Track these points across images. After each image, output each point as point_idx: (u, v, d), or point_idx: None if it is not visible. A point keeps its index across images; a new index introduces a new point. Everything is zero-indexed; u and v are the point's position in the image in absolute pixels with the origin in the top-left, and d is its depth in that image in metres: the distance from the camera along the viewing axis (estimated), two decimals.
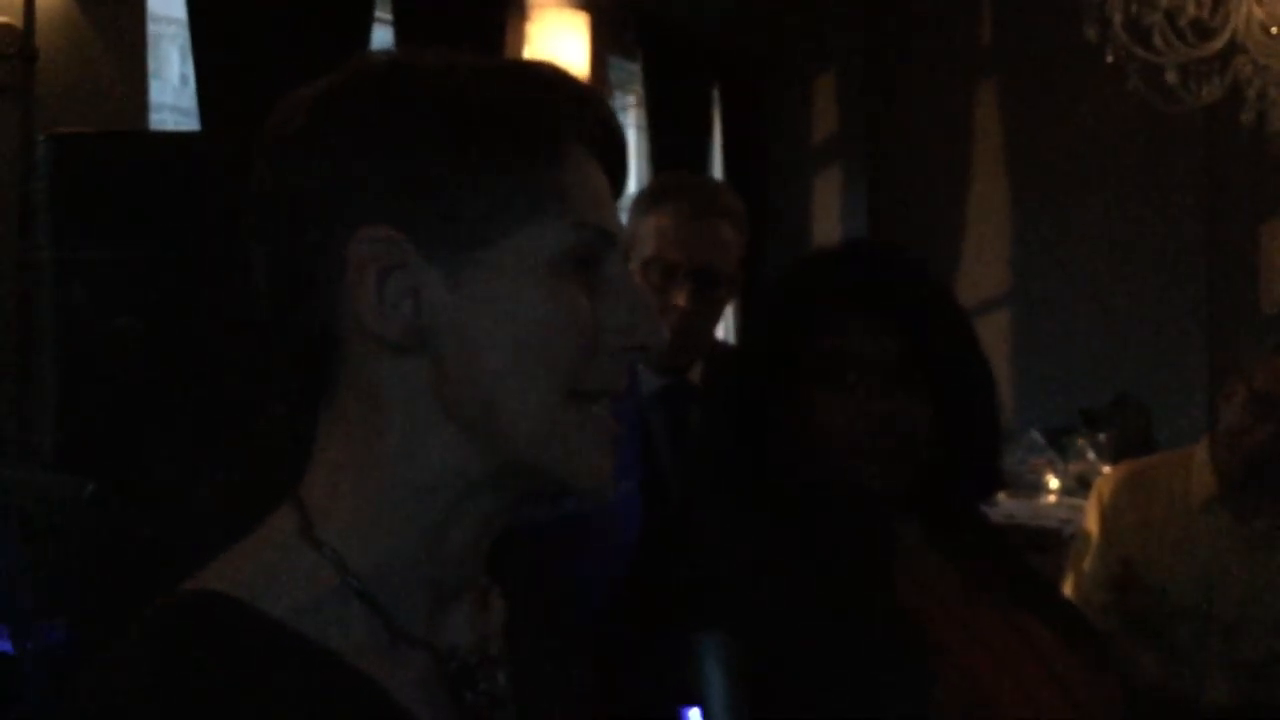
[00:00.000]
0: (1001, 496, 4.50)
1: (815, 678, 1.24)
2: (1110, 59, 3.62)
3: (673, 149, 5.28)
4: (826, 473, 1.36)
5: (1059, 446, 4.61)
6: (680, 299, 1.97)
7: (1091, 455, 4.48)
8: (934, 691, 1.23)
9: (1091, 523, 2.68)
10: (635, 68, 5.38)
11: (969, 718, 1.23)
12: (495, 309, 0.77)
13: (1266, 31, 3.57)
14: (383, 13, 4.14)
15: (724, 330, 4.80)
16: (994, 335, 5.97)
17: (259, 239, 0.81)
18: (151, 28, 4.10)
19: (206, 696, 0.71)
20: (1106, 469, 3.52)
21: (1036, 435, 4.65)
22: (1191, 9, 3.54)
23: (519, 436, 0.78)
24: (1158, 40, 3.57)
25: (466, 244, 0.77)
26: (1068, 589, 2.64)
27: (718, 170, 5.77)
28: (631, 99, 5.63)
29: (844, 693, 1.23)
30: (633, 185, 3.86)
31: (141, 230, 2.49)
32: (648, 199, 2.09)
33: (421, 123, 0.77)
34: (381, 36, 4.12)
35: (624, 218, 2.20)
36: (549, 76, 0.83)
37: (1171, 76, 3.63)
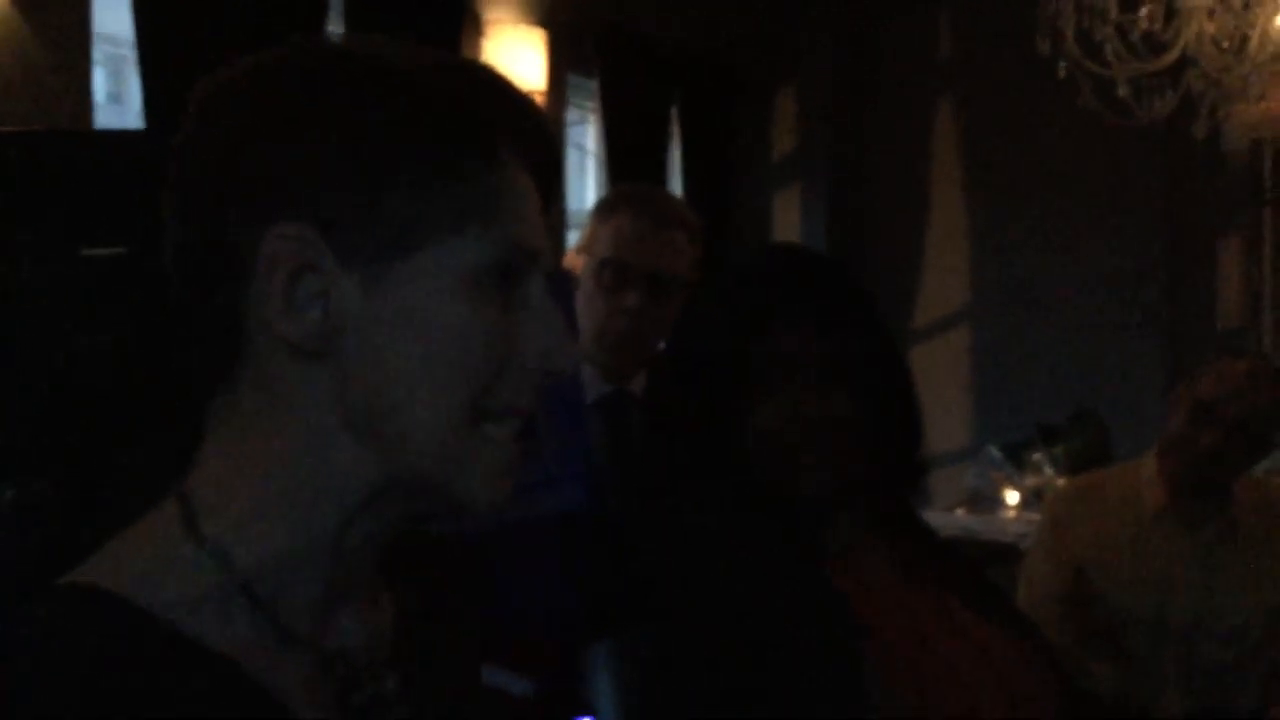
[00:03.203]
0: (959, 511, 4.50)
1: (750, 670, 1.26)
2: (1063, 73, 3.64)
3: (631, 165, 5.27)
4: (762, 476, 1.39)
5: (1017, 461, 4.62)
6: (630, 300, 2.03)
7: (1048, 470, 4.49)
8: (869, 678, 1.25)
9: (1043, 535, 2.68)
10: (594, 84, 5.36)
11: (905, 705, 1.26)
12: (408, 320, 0.75)
13: (1218, 46, 3.59)
14: (335, 27, 4.11)
15: None
16: (953, 351, 5.99)
17: (171, 220, 0.78)
18: (113, 50, 4.07)
19: (80, 692, 0.69)
20: (1061, 482, 3.53)
21: (994, 450, 4.66)
22: (1143, 23, 3.56)
23: (415, 451, 0.76)
24: (1109, 54, 3.59)
25: (386, 251, 0.75)
26: (1022, 602, 2.63)
27: (677, 186, 5.76)
28: (590, 116, 5.61)
29: (779, 682, 1.25)
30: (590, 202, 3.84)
31: (76, 231, 2.44)
32: (606, 205, 2.16)
33: (349, 118, 0.75)
34: None
35: (576, 236, 2.23)
36: (486, 80, 0.80)
37: (1123, 90, 3.65)
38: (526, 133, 0.80)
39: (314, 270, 0.74)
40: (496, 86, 0.80)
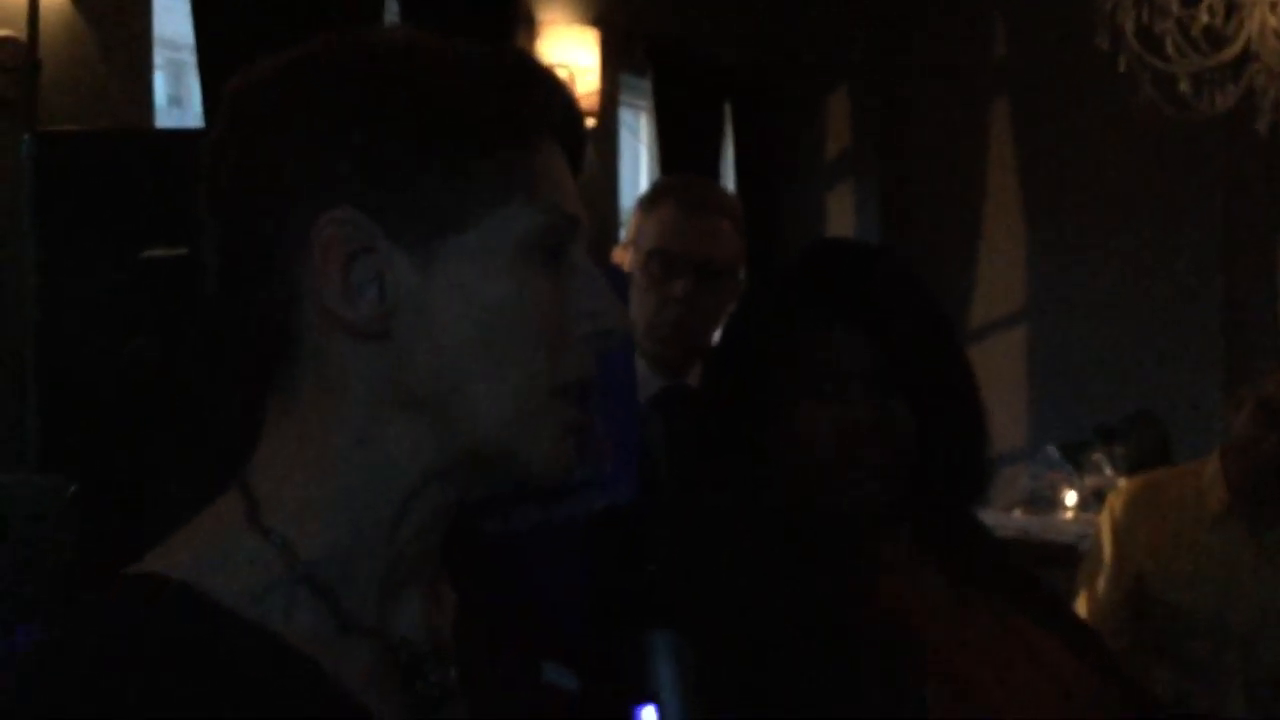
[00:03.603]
0: (1017, 512, 4.46)
1: (801, 689, 1.20)
2: (1122, 68, 3.59)
3: (684, 165, 5.26)
4: (810, 486, 1.32)
5: (1075, 462, 4.57)
6: (679, 289, 2.01)
7: (1108, 470, 4.43)
8: (924, 700, 1.19)
9: (1104, 539, 2.66)
10: (646, 84, 5.36)
11: None
12: (463, 294, 0.76)
13: None
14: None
15: None
16: (1009, 351, 5.93)
17: (214, 213, 0.79)
18: (172, 55, 4.12)
19: (151, 680, 0.70)
20: (1122, 483, 3.48)
21: (1052, 451, 4.61)
22: (1204, 17, 3.51)
23: (482, 425, 0.77)
24: (1170, 49, 3.54)
25: (436, 228, 0.76)
26: (1081, 607, 2.61)
27: (729, 187, 5.75)
28: (642, 115, 5.62)
29: (832, 702, 1.19)
30: None
31: (133, 233, 2.47)
32: (650, 197, 2.15)
33: (393, 104, 0.76)
34: None
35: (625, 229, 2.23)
36: (519, 63, 0.82)
37: (1184, 85, 3.60)
38: (557, 110, 0.82)
39: (369, 252, 0.75)
40: (528, 69, 0.82)
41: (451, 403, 0.77)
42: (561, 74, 0.88)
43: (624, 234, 2.35)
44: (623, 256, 2.12)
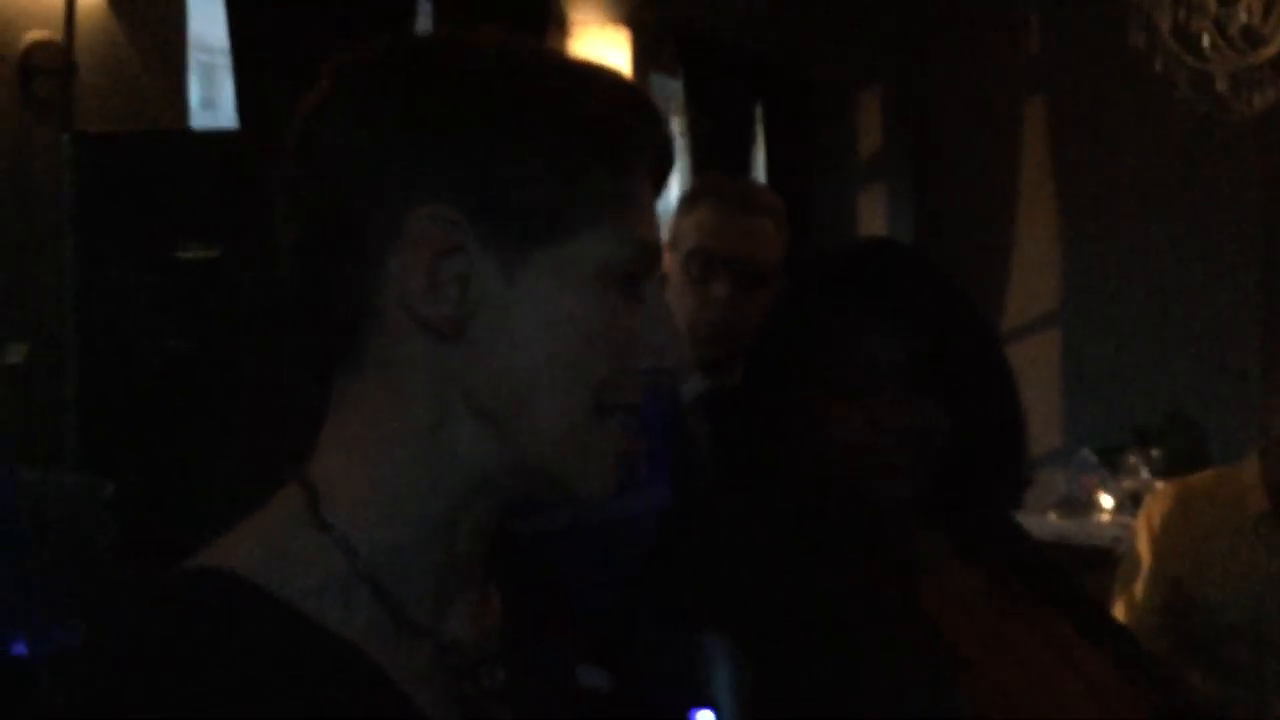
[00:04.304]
0: (1052, 515, 4.42)
1: (839, 693, 1.19)
2: (1158, 67, 3.56)
3: (716, 166, 5.26)
4: (846, 483, 1.32)
5: (1111, 464, 4.53)
6: (720, 290, 2.00)
7: (1145, 473, 4.40)
8: (961, 705, 1.18)
9: (1141, 544, 2.63)
10: (677, 85, 5.36)
11: None
12: (540, 308, 0.77)
13: None
14: (423, 29, 4.15)
15: None
16: (1045, 353, 5.90)
17: (295, 201, 0.79)
18: (205, 58, 4.14)
19: (211, 671, 0.70)
20: (1160, 485, 3.45)
21: (1088, 453, 4.57)
22: (1242, 16, 3.48)
23: (540, 438, 0.79)
24: (1207, 47, 3.51)
25: (529, 239, 0.77)
26: (1118, 612, 2.58)
27: None
28: (674, 116, 5.61)
29: (868, 707, 1.18)
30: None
31: (172, 233, 2.49)
32: (689, 198, 2.14)
33: (502, 107, 0.77)
34: None
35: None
36: (627, 87, 0.83)
37: (1221, 85, 3.57)
38: (655, 141, 0.84)
39: (459, 251, 0.76)
40: (636, 96, 0.83)
41: (515, 411, 0.78)
42: None
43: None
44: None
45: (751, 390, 1.43)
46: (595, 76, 0.82)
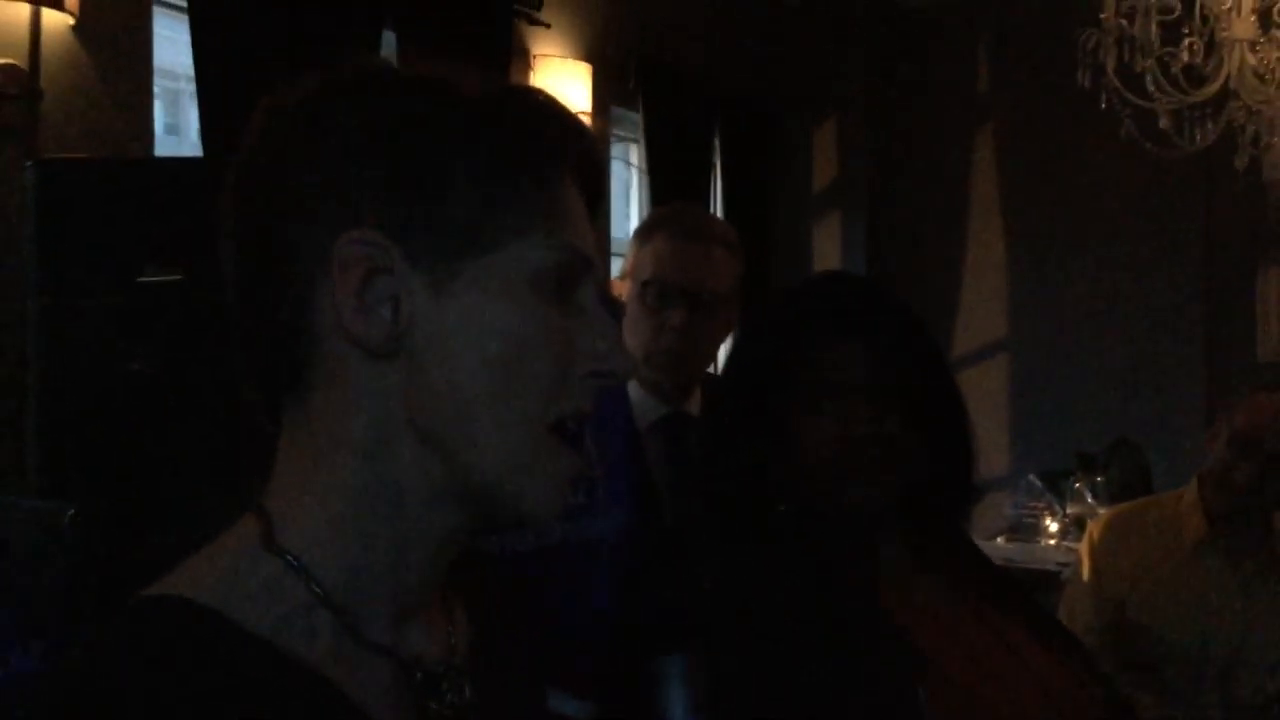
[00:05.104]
0: (1000, 540, 4.49)
1: (804, 694, 1.26)
2: (1104, 105, 3.64)
3: (673, 196, 5.32)
4: (812, 494, 1.41)
5: (1057, 490, 4.61)
6: (675, 319, 2.03)
7: (1089, 498, 4.48)
8: (922, 701, 1.25)
9: (1085, 567, 2.68)
10: (637, 117, 5.43)
11: None
12: (474, 321, 0.78)
13: (1259, 78, 3.59)
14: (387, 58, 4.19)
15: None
16: (992, 380, 5.98)
17: (234, 230, 0.81)
18: (170, 85, 4.14)
19: (170, 700, 0.70)
20: (1103, 511, 3.52)
21: (1034, 479, 4.64)
22: (1185, 55, 3.56)
23: (483, 457, 0.78)
24: (1151, 87, 3.59)
25: (453, 253, 0.78)
26: None
27: (718, 215, 5.80)
28: (633, 148, 5.67)
29: (833, 706, 1.25)
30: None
31: (134, 257, 2.48)
32: (645, 228, 2.17)
33: (420, 128, 0.78)
34: None
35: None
36: (545, 101, 0.84)
37: (1164, 122, 3.65)
38: (580, 153, 0.84)
39: (386, 272, 0.77)
40: (554, 109, 0.84)
41: (457, 429, 0.78)
42: None
43: (615, 263, 2.37)
44: (621, 289, 2.13)
45: (725, 406, 1.52)
46: (513, 93, 0.83)
